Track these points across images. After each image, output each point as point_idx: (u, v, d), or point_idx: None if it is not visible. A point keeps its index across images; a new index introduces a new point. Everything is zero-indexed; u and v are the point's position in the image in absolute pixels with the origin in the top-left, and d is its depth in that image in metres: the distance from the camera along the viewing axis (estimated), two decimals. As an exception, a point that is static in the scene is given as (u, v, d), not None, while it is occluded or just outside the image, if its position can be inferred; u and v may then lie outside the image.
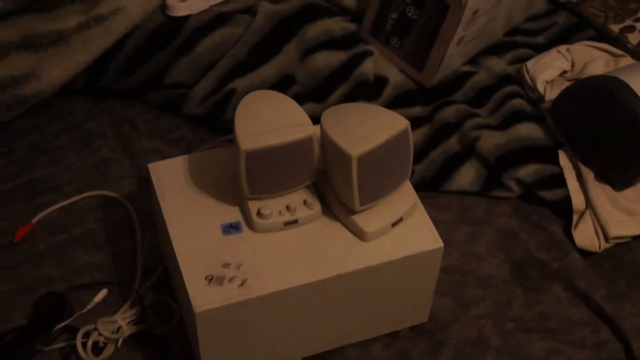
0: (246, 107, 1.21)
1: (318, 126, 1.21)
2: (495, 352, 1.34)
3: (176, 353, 1.30)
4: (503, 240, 1.46)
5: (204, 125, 1.57)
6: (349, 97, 1.55)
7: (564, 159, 1.50)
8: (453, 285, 1.39)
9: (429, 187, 1.48)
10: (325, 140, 1.19)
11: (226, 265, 1.18)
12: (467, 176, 1.49)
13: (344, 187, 1.19)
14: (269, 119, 1.19)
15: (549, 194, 1.48)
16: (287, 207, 1.22)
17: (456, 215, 1.48)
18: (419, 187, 1.37)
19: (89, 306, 1.32)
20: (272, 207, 1.22)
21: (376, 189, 1.20)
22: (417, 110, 1.57)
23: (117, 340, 1.28)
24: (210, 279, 1.17)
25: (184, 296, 1.20)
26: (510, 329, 1.36)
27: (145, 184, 1.48)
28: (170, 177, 1.27)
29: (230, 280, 1.17)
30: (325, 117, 1.20)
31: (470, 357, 1.33)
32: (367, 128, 1.18)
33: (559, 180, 1.49)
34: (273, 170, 1.19)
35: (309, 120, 1.19)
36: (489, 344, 1.35)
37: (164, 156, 1.51)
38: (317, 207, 1.23)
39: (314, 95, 1.56)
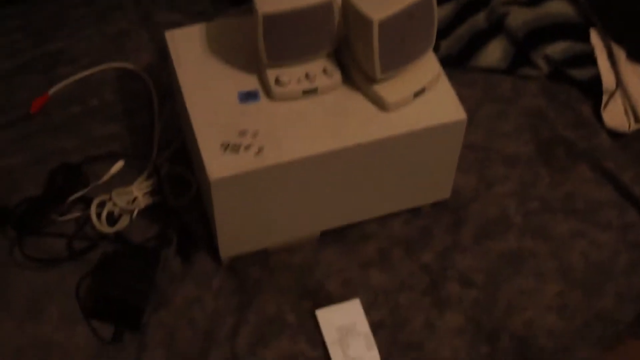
0: (264, -30, 1.15)
1: (338, -10, 1.15)
2: (518, 231, 1.29)
3: (192, 225, 1.27)
4: (529, 119, 1.40)
5: (224, -1, 1.51)
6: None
7: (595, 38, 1.43)
8: (477, 163, 1.34)
9: (454, 64, 1.42)
10: (346, 5, 1.13)
11: (243, 133, 1.14)
12: (494, 53, 1.43)
13: (365, 54, 1.13)
14: (288, -17, 1.13)
15: (578, 73, 1.41)
16: (306, 75, 1.17)
17: (481, 93, 1.41)
18: (444, 64, 1.30)
19: (105, 177, 1.29)
20: (291, 75, 1.16)
21: (398, 56, 1.14)
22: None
23: (132, 211, 1.25)
24: (226, 146, 1.12)
25: (199, 165, 1.16)
26: (534, 208, 1.32)
27: (164, 56, 1.43)
28: (187, 45, 1.22)
29: (247, 148, 1.12)
30: (347, -19, 1.14)
31: (492, 235, 1.28)
32: (390, -8, 1.11)
33: (589, 59, 1.42)
34: (292, 35, 1.13)
35: (329, -16, 1.13)
36: (511, 223, 1.30)
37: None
38: (337, 75, 1.17)
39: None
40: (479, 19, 1.44)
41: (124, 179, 1.30)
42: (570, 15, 1.44)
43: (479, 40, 1.43)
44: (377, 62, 1.12)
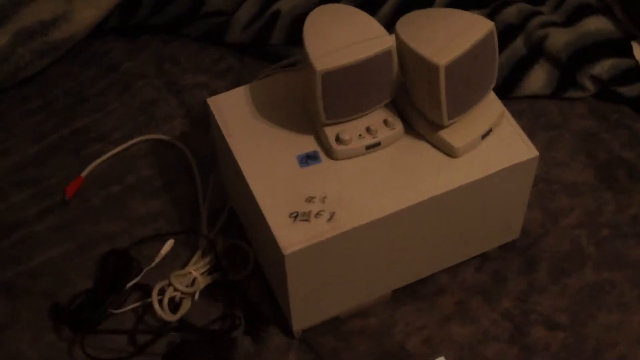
0: (313, 24, 1.04)
1: (392, 36, 1.05)
2: (593, 263, 1.20)
3: (256, 296, 1.16)
4: (583, 143, 1.31)
5: (250, 53, 1.40)
6: (402, 6, 1.38)
7: (638, 51, 1.34)
8: (539, 196, 1.25)
9: (499, 95, 1.32)
10: (404, 51, 1.03)
11: (310, 200, 1.04)
12: (538, 79, 1.34)
13: (430, 100, 1.04)
14: (340, 34, 1.02)
15: (627, 90, 1.33)
16: (368, 129, 1.07)
17: (531, 122, 1.33)
18: (490, 96, 1.22)
19: (157, 259, 1.18)
20: (351, 131, 1.06)
21: (464, 99, 1.05)
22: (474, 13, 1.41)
23: (193, 294, 1.14)
24: (295, 216, 1.02)
25: (264, 238, 1.06)
26: (605, 236, 1.22)
27: (197, 122, 1.32)
28: (232, 110, 1.11)
29: (317, 215, 1.02)
30: (401, 26, 1.04)
31: (568, 271, 1.19)
32: (450, 33, 1.01)
33: (636, 74, 1.33)
34: (351, 90, 1.03)
35: (385, 31, 1.03)
36: (585, 255, 1.21)
37: (212, 90, 1.35)
38: (399, 126, 1.08)
39: (363, 7, 1.39)
40: (518, 46, 1.36)
41: (176, 259, 1.19)
42: (610, 30, 1.35)
43: (521, 68, 1.34)
44: (444, 107, 1.03)
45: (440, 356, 1.12)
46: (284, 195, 1.04)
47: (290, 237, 1.00)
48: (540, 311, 1.16)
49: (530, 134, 1.29)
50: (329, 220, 1.02)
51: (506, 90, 1.33)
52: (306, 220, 1.02)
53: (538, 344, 1.13)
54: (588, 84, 1.33)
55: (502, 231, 1.18)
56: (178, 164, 1.29)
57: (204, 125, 1.31)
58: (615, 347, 1.13)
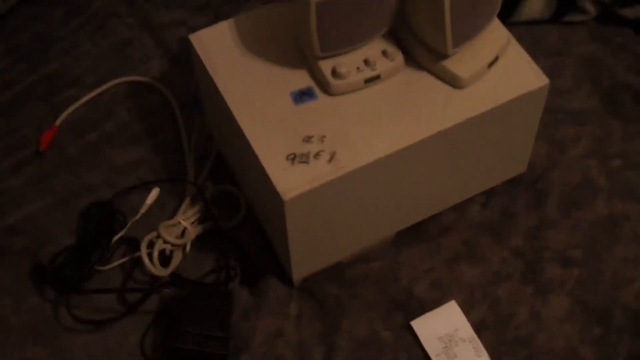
0: (303, -53, 0.95)
1: (390, -41, 0.96)
2: (606, 194, 1.13)
3: (250, 243, 1.08)
4: (586, 69, 1.23)
5: (230, -16, 1.30)
6: None
7: (641, -31, 1.26)
8: (544, 126, 1.16)
9: (496, 21, 1.24)
10: (404, -25, 0.94)
11: (307, 139, 0.95)
12: (535, 3, 1.25)
13: (432, 28, 0.95)
14: (334, -42, 0.94)
15: (629, 12, 1.24)
16: (366, 62, 0.98)
17: (530, 48, 1.22)
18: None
19: (142, 210, 1.09)
20: (348, 64, 0.97)
21: (469, 25, 0.96)
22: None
23: (184, 245, 1.06)
24: (292, 157, 0.94)
25: (259, 183, 0.97)
26: (615, 166, 1.15)
27: (176, 62, 1.22)
28: (217, 47, 1.02)
29: (317, 156, 0.94)
30: (400, -53, 0.95)
31: (579, 204, 1.12)
32: (452, -48, 0.93)
33: (640, -6, 1.25)
34: (347, 20, 0.94)
35: (382, -47, 0.94)
36: (596, 187, 1.13)
37: (190, 27, 1.25)
38: (398, 57, 0.99)
39: None
40: (514, -32, 1.27)
41: (163, 209, 1.10)
42: (611, -52, 1.26)
43: (518, -8, 1.25)
44: (449, 35, 0.94)
45: (450, 300, 1.05)
46: (279, 136, 0.95)
47: (289, 181, 0.92)
48: (552, 247, 1.09)
49: (531, 60, 1.22)
50: (330, 160, 0.93)
51: (503, 16, 1.22)
52: (305, 162, 0.93)
53: (552, 281, 1.06)
54: (589, 6, 1.24)
55: (508, 165, 1.10)
56: (158, 107, 1.19)
57: (184, 65, 1.21)
58: (633, 283, 1.06)
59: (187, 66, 1.14)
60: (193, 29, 1.05)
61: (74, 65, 1.23)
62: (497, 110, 0.98)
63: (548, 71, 1.22)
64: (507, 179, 1.12)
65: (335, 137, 0.95)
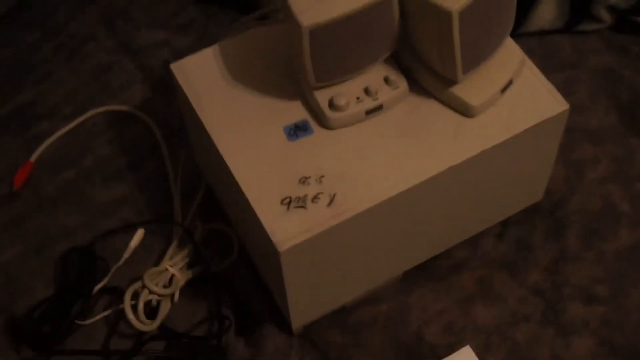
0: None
1: (390, -22, 0.86)
2: (629, 221, 1.03)
3: (245, 287, 0.98)
4: (603, 82, 1.13)
5: (214, 1, 1.19)
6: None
7: (659, -28, 1.16)
8: (560, 148, 1.07)
9: (505, 33, 1.14)
10: (407, -5, 0.84)
11: (304, 181, 0.85)
12: (547, 12, 1.15)
13: (440, 53, 0.85)
14: (327, -21, 0.83)
15: (648, 18, 1.15)
16: (366, 91, 0.88)
17: (542, 62, 1.12)
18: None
19: (126, 254, 0.99)
20: (347, 94, 0.87)
21: (480, 48, 0.86)
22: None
23: (172, 295, 0.96)
24: (287, 202, 0.84)
25: (252, 229, 0.88)
26: (639, 189, 1.06)
27: (160, 87, 1.12)
28: (201, 77, 0.92)
29: (315, 199, 0.84)
30: (401, -36, 0.85)
31: (601, 233, 1.02)
32: (460, -31, 0.83)
33: (658, 0, 1.15)
34: (344, 47, 0.84)
35: (381, -27, 0.84)
36: (619, 213, 1.03)
37: (174, 48, 1.15)
38: (402, 84, 0.89)
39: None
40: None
41: (149, 251, 1.00)
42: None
43: (527, 1, 1.14)
44: (459, 60, 0.84)
45: (464, 345, 0.96)
46: (272, 177, 0.85)
47: (285, 230, 0.82)
48: (574, 283, 0.99)
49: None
50: (329, 204, 0.84)
51: (513, 27, 1.14)
52: (302, 207, 0.83)
53: (575, 321, 0.97)
54: (604, 14, 1.14)
55: (524, 194, 1.00)
56: (142, 139, 1.09)
57: (168, 90, 1.10)
58: (662, 318, 0.98)
59: (171, 90, 1.04)
60: (177, 50, 0.96)
61: (49, 94, 1.12)
62: (513, 140, 0.88)
63: (562, 86, 1.12)
64: (522, 209, 1.02)
65: (335, 176, 0.85)
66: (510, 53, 0.91)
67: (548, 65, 1.13)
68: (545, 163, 0.97)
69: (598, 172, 1.06)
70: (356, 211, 0.83)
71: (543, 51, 1.15)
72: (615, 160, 1.07)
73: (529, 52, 1.14)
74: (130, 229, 1.01)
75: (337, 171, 0.85)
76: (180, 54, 1.05)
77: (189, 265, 0.97)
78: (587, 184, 1.06)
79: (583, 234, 1.02)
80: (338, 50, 0.84)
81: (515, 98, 0.90)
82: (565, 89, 1.11)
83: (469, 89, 0.88)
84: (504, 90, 0.89)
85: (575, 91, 1.12)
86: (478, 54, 0.86)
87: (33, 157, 1.07)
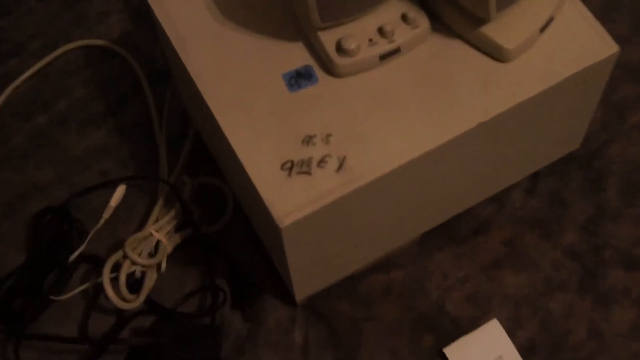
0: None
1: None
2: (677, 172, 0.91)
3: (241, 251, 0.86)
4: (648, 9, 0.99)
5: None
6: None
7: None
8: (599, 88, 0.94)
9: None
10: None
11: (308, 140, 0.72)
12: None
13: (469, -14, 0.71)
14: None
15: None
16: (380, 31, 0.73)
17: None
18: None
19: (105, 215, 0.87)
20: (358, 35, 0.73)
21: (517, -20, 0.72)
22: None
23: (159, 264, 0.84)
24: (289, 167, 0.70)
25: (249, 195, 0.75)
26: (688, 134, 0.93)
27: (142, 17, 0.98)
28: (186, 13, 0.77)
29: (321, 163, 0.71)
30: None
31: (645, 186, 0.90)
32: None
33: None
34: (355, -21, 0.70)
35: None
36: (665, 162, 0.91)
37: (157, -26, 1.00)
38: (423, 22, 0.74)
39: None
40: None
41: (131, 211, 0.88)
42: None
43: None
44: (492, -5, 0.70)
45: (491, 317, 0.84)
46: (271, 136, 0.71)
47: (287, 201, 0.69)
48: (615, 245, 0.87)
49: (581, 2, 0.97)
50: (338, 169, 0.70)
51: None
52: (306, 172, 0.70)
53: (615, 288, 0.85)
54: None
55: (561, 144, 0.87)
56: (122, 79, 0.95)
57: (151, 22, 0.96)
58: None
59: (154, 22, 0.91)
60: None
61: (16, 27, 0.98)
62: (553, 89, 0.74)
63: (599, 12, 0.98)
64: (556, 159, 0.89)
65: (345, 135, 0.71)
66: (550, -16, 0.76)
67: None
68: (587, 111, 0.83)
69: (642, 115, 0.93)
70: (370, 178, 0.70)
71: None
72: (661, 101, 0.94)
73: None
74: (110, 185, 0.88)
75: (347, 128, 0.72)
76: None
77: (177, 228, 0.85)
78: (628, 129, 0.92)
79: (624, 187, 0.89)
80: (347, -16, 0.70)
81: (555, 39, 0.75)
82: (604, 16, 0.98)
83: (502, 29, 0.73)
84: (542, 29, 0.75)
85: (615, 18, 0.98)
86: (515, -13, 0.72)
87: (0, 100, 0.94)
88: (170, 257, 0.85)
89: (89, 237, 0.85)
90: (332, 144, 0.71)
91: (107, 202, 0.87)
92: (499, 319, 0.83)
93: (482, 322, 0.83)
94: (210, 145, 0.88)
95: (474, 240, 0.87)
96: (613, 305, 0.84)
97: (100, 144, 0.91)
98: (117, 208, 0.87)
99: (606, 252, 0.86)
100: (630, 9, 0.98)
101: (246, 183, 0.72)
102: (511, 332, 0.83)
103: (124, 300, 0.80)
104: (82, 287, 0.83)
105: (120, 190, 0.88)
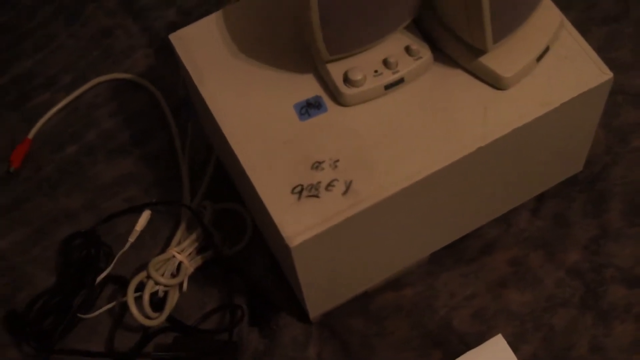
0: None
1: None
2: (679, 193, 0.94)
3: (259, 272, 0.91)
4: (650, 36, 1.03)
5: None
6: None
7: None
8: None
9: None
10: (429, -45, 0.74)
11: (317, 166, 0.76)
12: (587, -41, 1.04)
13: (467, 18, 0.74)
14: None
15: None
16: (385, 62, 0.78)
17: (581, 15, 1.03)
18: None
19: (131, 239, 0.91)
20: (364, 67, 0.78)
21: (513, 12, 0.76)
22: None
23: (180, 284, 0.88)
24: (299, 191, 0.75)
25: (262, 217, 0.79)
26: (688, 157, 0.96)
27: (166, 52, 1.03)
28: (203, 47, 0.82)
29: (329, 187, 0.75)
30: None
31: (647, 207, 0.93)
32: None
33: None
34: (359, 11, 0.74)
35: None
36: (667, 184, 0.94)
37: (180, 7, 1.05)
38: (426, 54, 0.79)
39: None
40: None
41: (156, 235, 0.93)
42: None
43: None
44: (488, 27, 0.73)
45: (496, 333, 0.87)
46: (282, 162, 0.76)
47: (297, 222, 0.73)
48: (617, 264, 0.90)
49: (582, 30, 1.01)
50: (345, 192, 0.75)
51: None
52: (315, 196, 0.75)
53: (617, 305, 0.88)
54: (651, -41, 1.03)
55: (563, 167, 0.91)
56: (146, 109, 1.00)
57: (175, 56, 1.02)
58: None
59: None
60: (183, 9, 0.86)
61: (48, 62, 1.04)
62: (550, 114, 0.78)
63: (602, 42, 1.02)
64: (560, 181, 0.92)
65: (351, 160, 0.76)
66: (547, 15, 0.80)
67: (588, 19, 1.03)
68: (585, 135, 0.87)
69: (643, 138, 0.96)
70: (375, 200, 0.74)
71: (582, 3, 1.04)
72: (662, 125, 0.97)
73: (567, 5, 1.03)
74: (135, 211, 0.93)
75: (353, 154, 0.76)
76: (186, 14, 0.96)
77: (199, 250, 0.90)
78: (631, 152, 0.95)
79: (627, 208, 0.92)
80: (352, 16, 0.74)
81: (552, 67, 0.79)
82: (606, 45, 1.01)
83: (500, 59, 0.78)
84: (539, 58, 0.79)
85: (618, 47, 1.01)
86: (510, 19, 0.76)
87: (31, 134, 0.98)
88: (192, 278, 0.89)
89: (115, 260, 0.89)
90: (340, 169, 0.76)
91: (132, 227, 0.92)
92: (503, 335, 0.86)
93: (488, 337, 0.86)
94: (230, 171, 0.93)
95: (480, 259, 0.91)
96: (614, 321, 0.87)
97: (126, 173, 0.96)
98: (142, 232, 0.92)
99: (608, 271, 0.89)
100: (633, 37, 1.02)
101: (260, 206, 0.77)
102: (515, 347, 0.86)
103: (148, 317, 0.85)
104: (108, 306, 0.87)
105: (145, 216, 0.93)
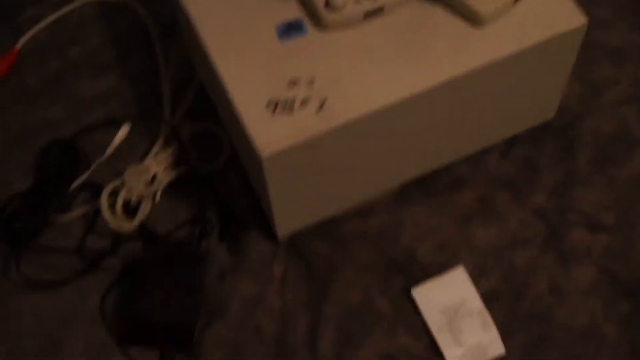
0: None
1: None
2: (644, 147, 0.99)
3: (232, 197, 0.96)
4: (632, -5, 1.08)
5: None
6: None
7: None
8: (576, 64, 1.00)
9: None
10: None
11: (293, 83, 0.81)
12: None
13: (448, -49, 0.80)
14: None
15: None
16: (367, -10, 0.83)
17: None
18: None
19: (109, 150, 0.96)
20: (346, -7, 0.83)
21: (493, -52, 0.81)
22: None
23: (154, 194, 0.93)
24: (274, 105, 0.80)
25: (237, 130, 0.84)
26: (659, 112, 1.01)
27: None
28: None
29: (303, 103, 0.80)
30: None
31: (614, 158, 0.98)
32: None
33: None
34: (344, -62, 0.79)
35: None
36: (634, 138, 0.99)
37: None
38: (407, -16, 0.84)
39: None
40: None
41: (133, 149, 0.97)
42: None
43: None
44: (468, -39, 0.79)
45: (458, 265, 0.93)
46: (260, 78, 0.81)
47: (269, 134, 0.78)
48: (580, 208, 0.95)
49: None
50: (319, 110, 0.79)
51: None
52: (289, 111, 0.79)
53: (578, 248, 0.93)
54: None
55: (534, 111, 0.96)
56: (133, 30, 1.05)
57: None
58: (670, 252, 0.94)
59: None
60: None
61: (38, -21, 1.08)
62: (523, 53, 0.83)
63: (585, -2, 1.07)
64: (531, 126, 0.97)
65: (327, 80, 0.81)
66: (526, -44, 0.85)
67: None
68: (558, 81, 0.92)
69: (616, 94, 1.01)
70: (345, 119, 0.79)
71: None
72: (635, 83, 1.02)
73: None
74: (115, 125, 0.97)
75: (329, 75, 0.81)
76: None
77: (174, 165, 0.94)
78: (603, 105, 1.01)
79: (595, 157, 0.98)
80: (337, -58, 0.79)
81: (528, 8, 0.84)
82: (587, 1, 1.06)
83: (478, -5, 0.83)
84: (516, 0, 0.84)
85: (598, 4, 1.06)
86: (490, -45, 0.81)
87: (18, 45, 1.03)
88: (166, 193, 0.94)
89: (91, 168, 0.94)
90: (315, 88, 0.80)
91: (111, 140, 0.97)
92: (465, 267, 0.92)
93: (449, 269, 0.91)
94: (210, 91, 0.97)
95: (448, 194, 0.96)
96: (574, 263, 0.93)
97: (108, 89, 1.01)
98: (120, 146, 0.97)
99: (571, 215, 0.95)
100: (614, -5, 1.07)
101: (235, 120, 0.81)
102: (475, 280, 0.91)
103: (119, 222, 0.90)
104: (82, 210, 0.92)
105: (124, 129, 0.97)
